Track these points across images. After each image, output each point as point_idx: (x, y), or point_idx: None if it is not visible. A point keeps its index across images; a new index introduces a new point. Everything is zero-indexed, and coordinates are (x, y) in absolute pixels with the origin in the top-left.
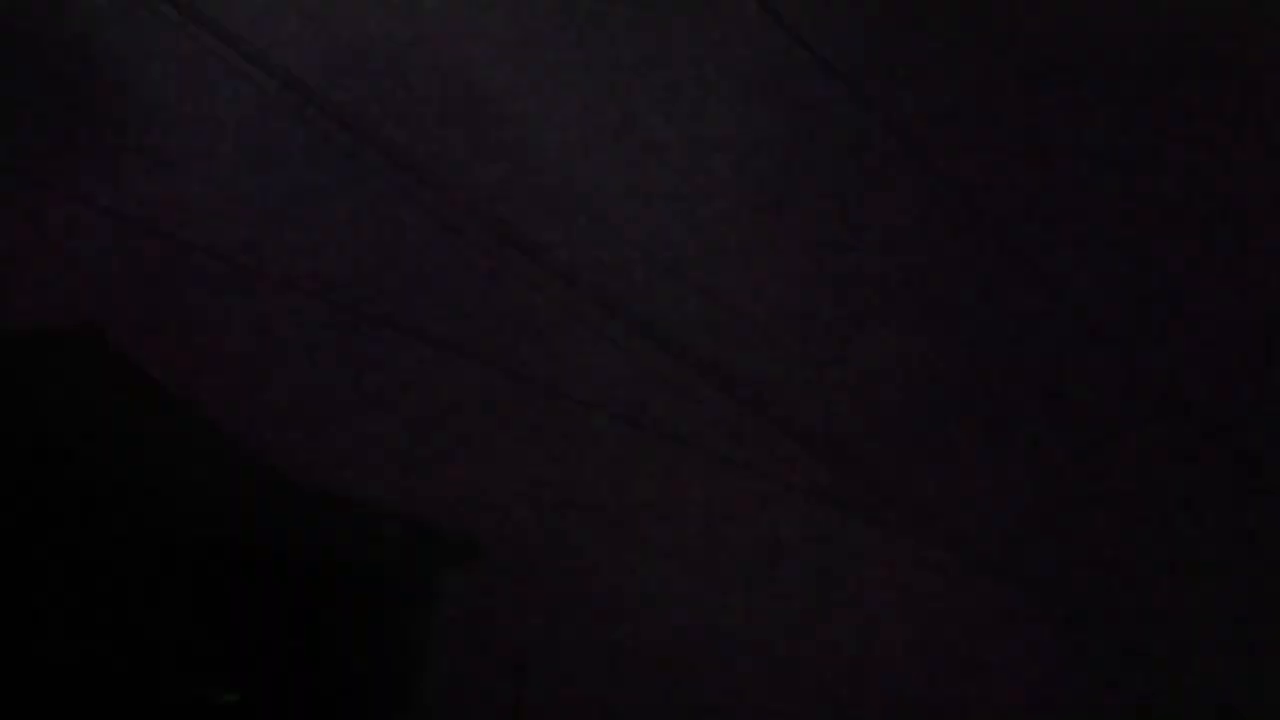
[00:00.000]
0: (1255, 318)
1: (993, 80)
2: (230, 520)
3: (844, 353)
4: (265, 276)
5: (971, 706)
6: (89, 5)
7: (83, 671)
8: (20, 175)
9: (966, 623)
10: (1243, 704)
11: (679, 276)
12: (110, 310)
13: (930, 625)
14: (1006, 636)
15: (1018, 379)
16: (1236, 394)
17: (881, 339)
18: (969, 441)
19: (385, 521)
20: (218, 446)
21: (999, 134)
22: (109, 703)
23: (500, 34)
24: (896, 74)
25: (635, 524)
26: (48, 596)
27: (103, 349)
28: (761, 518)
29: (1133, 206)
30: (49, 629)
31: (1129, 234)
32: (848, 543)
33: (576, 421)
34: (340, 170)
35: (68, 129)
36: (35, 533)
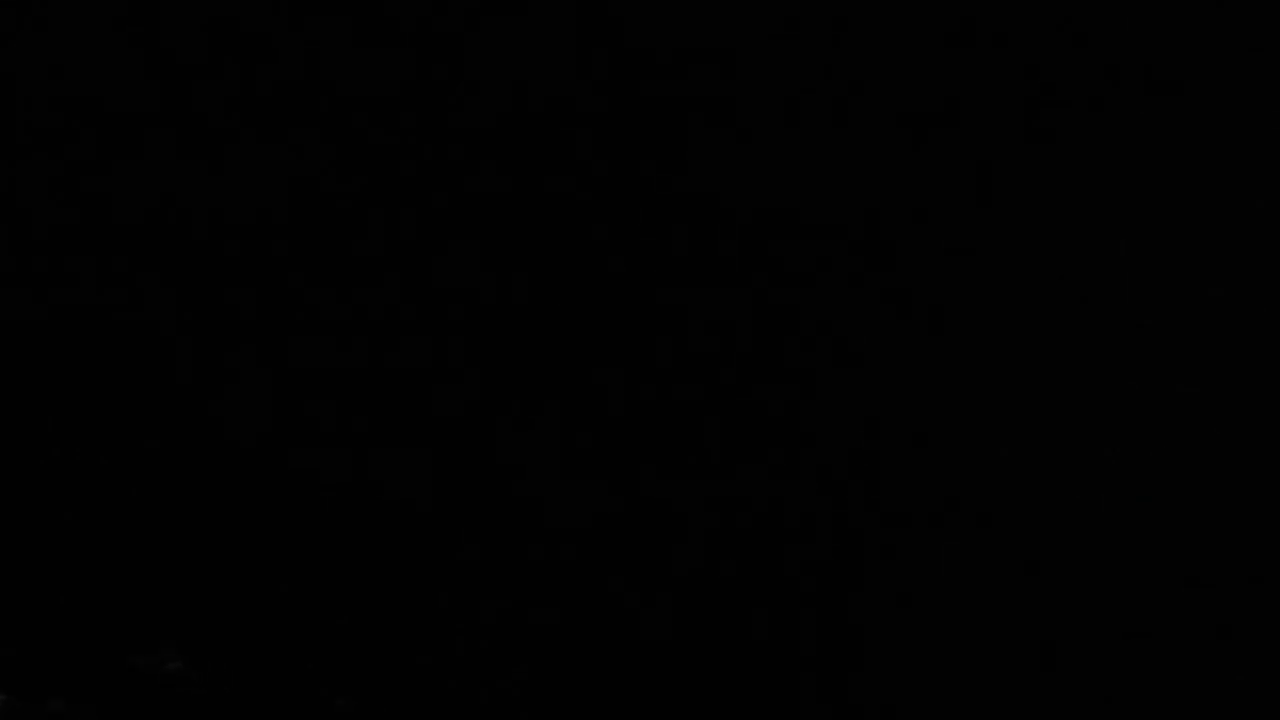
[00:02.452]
0: None
1: None
2: (176, 478)
3: None
4: None
5: None
6: None
7: (7, 634)
8: None
9: None
10: None
11: None
12: None
13: None
14: None
15: None
16: None
17: None
18: None
19: (339, 488)
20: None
21: None
22: (36, 668)
23: None
24: None
25: None
26: None
27: None
28: None
29: None
30: None
31: None
32: None
33: None
34: None
35: None
36: None
